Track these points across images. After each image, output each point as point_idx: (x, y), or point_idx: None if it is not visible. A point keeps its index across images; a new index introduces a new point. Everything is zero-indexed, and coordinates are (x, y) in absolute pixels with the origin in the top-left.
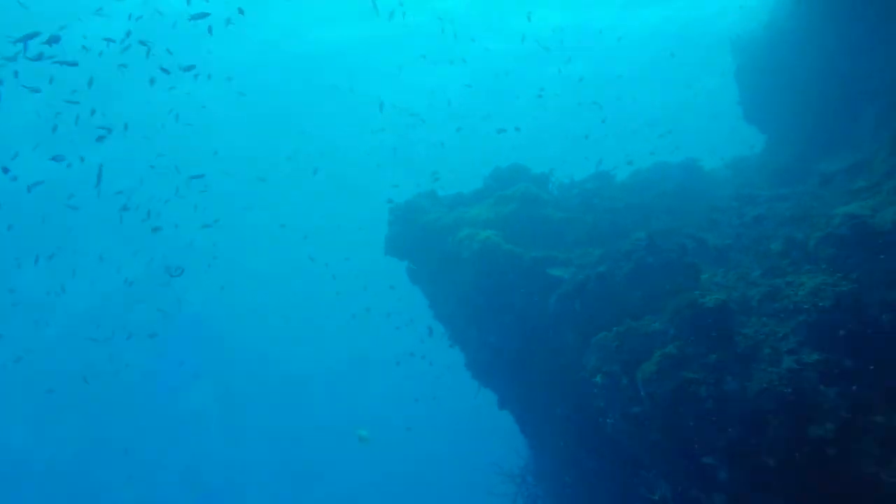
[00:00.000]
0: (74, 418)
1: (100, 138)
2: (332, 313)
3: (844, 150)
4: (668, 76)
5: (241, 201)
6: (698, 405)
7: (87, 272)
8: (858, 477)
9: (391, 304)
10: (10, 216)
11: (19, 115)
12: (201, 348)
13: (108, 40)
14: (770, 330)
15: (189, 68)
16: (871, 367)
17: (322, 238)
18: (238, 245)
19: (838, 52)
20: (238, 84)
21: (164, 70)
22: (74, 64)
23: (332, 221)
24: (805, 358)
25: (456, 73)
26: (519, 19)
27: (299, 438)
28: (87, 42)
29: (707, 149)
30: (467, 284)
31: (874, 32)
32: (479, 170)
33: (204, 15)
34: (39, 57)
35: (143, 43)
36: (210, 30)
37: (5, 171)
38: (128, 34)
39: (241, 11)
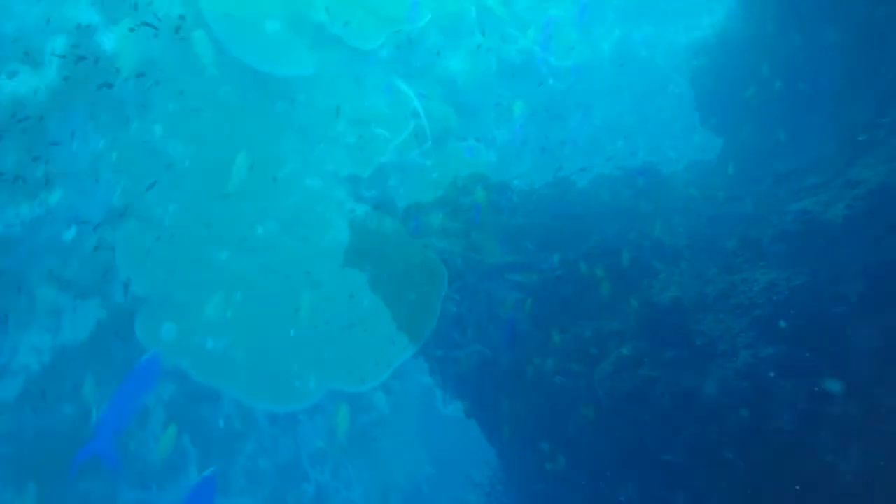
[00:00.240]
0: None
1: None
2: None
3: (798, 149)
4: (629, 84)
5: None
6: (656, 403)
7: None
8: (817, 468)
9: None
10: None
11: None
12: None
13: None
14: (726, 326)
15: None
16: (826, 359)
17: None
18: None
19: (787, 56)
20: None
21: None
22: None
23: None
24: (761, 352)
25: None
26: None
27: None
28: None
29: (665, 153)
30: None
31: (818, 37)
32: (439, 179)
33: None
34: None
35: None
36: None
37: None
38: None
39: None
